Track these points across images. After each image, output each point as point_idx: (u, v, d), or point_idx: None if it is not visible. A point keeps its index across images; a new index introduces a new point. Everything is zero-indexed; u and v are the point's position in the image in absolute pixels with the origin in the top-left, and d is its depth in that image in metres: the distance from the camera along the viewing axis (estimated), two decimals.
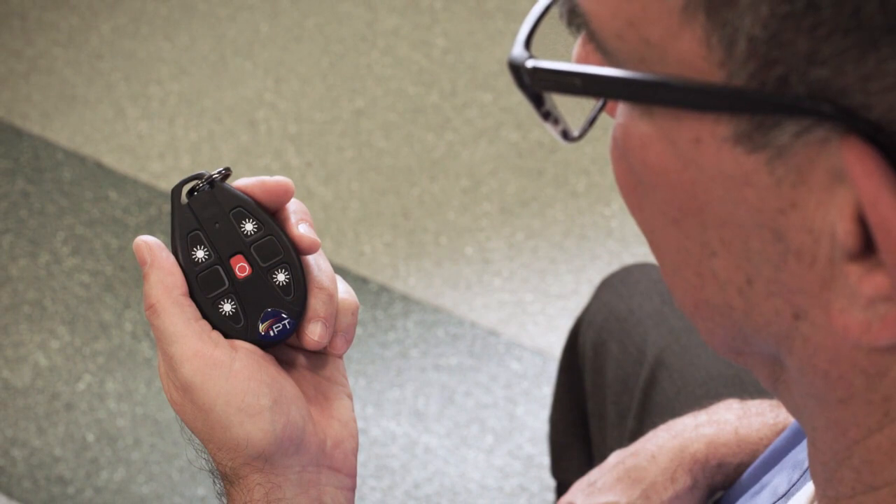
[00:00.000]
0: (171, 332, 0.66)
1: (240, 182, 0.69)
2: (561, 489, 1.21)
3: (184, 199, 0.69)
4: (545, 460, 1.73)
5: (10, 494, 1.71)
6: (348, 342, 0.69)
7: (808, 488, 0.58)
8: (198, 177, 0.69)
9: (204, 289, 0.68)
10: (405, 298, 1.91)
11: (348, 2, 2.34)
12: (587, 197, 2.04)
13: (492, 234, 1.99)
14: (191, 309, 0.67)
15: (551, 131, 0.47)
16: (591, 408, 1.11)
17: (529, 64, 0.44)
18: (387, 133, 2.12)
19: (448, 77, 2.21)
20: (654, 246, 0.47)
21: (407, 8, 2.33)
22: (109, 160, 2.10)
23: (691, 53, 0.40)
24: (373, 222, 2.00)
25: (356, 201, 2.03)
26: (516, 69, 0.45)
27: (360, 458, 1.74)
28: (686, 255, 0.45)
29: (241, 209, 0.68)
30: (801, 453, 0.65)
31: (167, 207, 2.03)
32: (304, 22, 2.31)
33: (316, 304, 0.68)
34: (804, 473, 0.62)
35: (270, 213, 0.69)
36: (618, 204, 2.02)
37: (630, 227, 1.99)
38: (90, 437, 1.77)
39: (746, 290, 0.44)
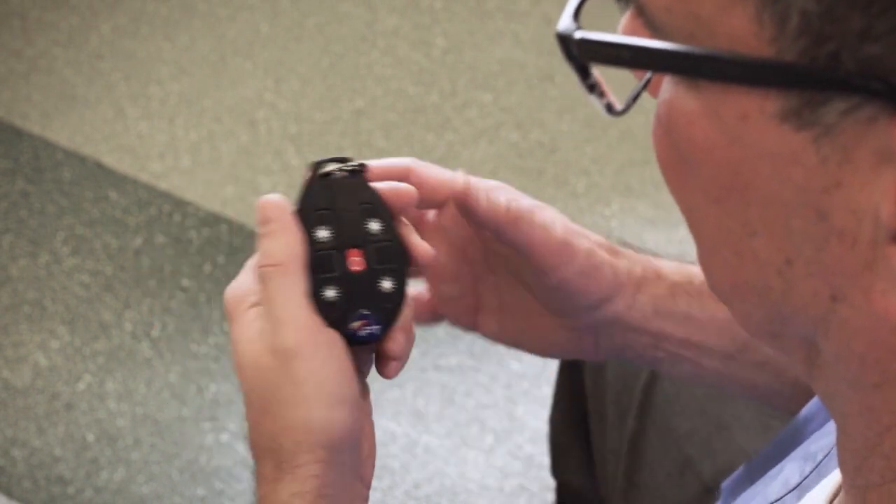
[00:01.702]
0: (287, 296, 0.64)
1: (374, 177, 0.69)
2: (561, 489, 1.21)
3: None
4: (545, 460, 1.73)
5: (10, 494, 1.72)
6: (399, 370, 0.69)
7: (827, 483, 0.58)
8: (341, 160, 0.68)
9: (315, 268, 0.66)
10: None
11: (348, 2, 2.34)
12: (587, 197, 2.03)
13: None
14: (305, 283, 0.66)
15: (596, 104, 0.48)
16: (591, 408, 1.11)
17: (578, 35, 0.44)
18: (387, 133, 2.12)
19: (448, 77, 2.21)
20: (693, 225, 0.47)
21: (407, 8, 2.33)
22: (109, 160, 2.10)
23: (741, 29, 0.40)
24: None
25: None
26: (564, 40, 0.45)
27: None
28: (726, 234, 0.45)
29: (371, 206, 0.67)
30: (812, 445, 0.64)
31: (167, 207, 2.03)
32: (304, 22, 2.31)
33: (405, 319, 0.68)
34: (817, 466, 0.62)
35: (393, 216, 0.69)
36: (618, 204, 2.02)
37: (630, 227, 1.99)
38: (90, 437, 1.77)
39: (785, 270, 0.44)
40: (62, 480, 1.73)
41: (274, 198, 0.67)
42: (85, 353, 1.86)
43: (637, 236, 1.98)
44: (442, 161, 2.05)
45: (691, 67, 0.42)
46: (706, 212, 0.45)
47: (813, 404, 0.71)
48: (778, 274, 0.44)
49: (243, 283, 0.67)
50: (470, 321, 0.79)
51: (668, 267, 0.77)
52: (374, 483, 1.84)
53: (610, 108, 0.48)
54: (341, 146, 2.11)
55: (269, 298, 0.65)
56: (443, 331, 1.87)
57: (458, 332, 1.86)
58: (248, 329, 0.65)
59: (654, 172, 2.05)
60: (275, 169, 2.08)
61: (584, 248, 0.73)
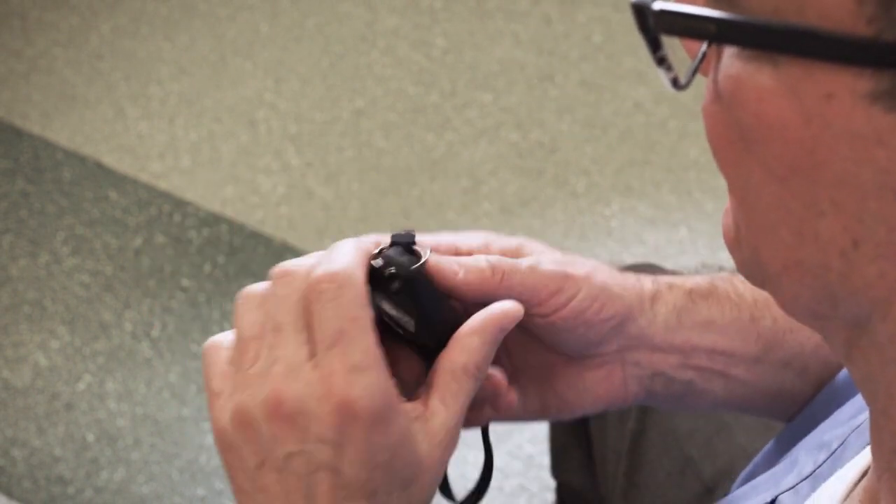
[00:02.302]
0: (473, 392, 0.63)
1: None
2: (561, 489, 1.21)
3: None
4: (545, 460, 1.73)
5: (10, 494, 1.72)
6: None
7: (845, 473, 0.57)
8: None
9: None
10: None
11: (348, 2, 2.34)
12: (587, 197, 2.03)
13: None
14: None
15: (663, 77, 0.47)
16: None
17: (657, 6, 0.43)
18: (387, 133, 2.12)
19: (448, 77, 2.21)
20: (747, 204, 0.46)
21: (407, 8, 2.33)
22: (109, 160, 2.10)
23: (837, 7, 0.40)
24: (373, 222, 2.00)
25: (356, 201, 2.03)
26: (640, 11, 0.44)
27: None
28: (787, 214, 0.44)
29: None
30: (825, 434, 0.64)
31: (167, 207, 2.03)
32: (304, 22, 2.31)
33: None
34: (831, 455, 0.62)
35: None
36: (618, 204, 2.02)
37: (630, 227, 1.99)
38: (90, 437, 1.77)
39: (850, 252, 0.43)
40: (62, 480, 1.73)
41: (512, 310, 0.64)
42: (85, 353, 1.86)
43: (637, 236, 1.98)
44: (442, 161, 2.05)
45: (779, 43, 0.41)
46: (766, 190, 0.44)
47: (825, 393, 0.71)
48: (841, 255, 0.44)
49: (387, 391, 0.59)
50: (485, 407, 0.72)
51: (677, 277, 0.73)
52: None
53: (675, 82, 0.47)
54: (341, 146, 2.11)
55: (465, 404, 0.62)
56: None
57: None
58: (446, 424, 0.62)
59: (654, 172, 2.05)
60: (275, 169, 2.08)
61: (581, 274, 0.69)
